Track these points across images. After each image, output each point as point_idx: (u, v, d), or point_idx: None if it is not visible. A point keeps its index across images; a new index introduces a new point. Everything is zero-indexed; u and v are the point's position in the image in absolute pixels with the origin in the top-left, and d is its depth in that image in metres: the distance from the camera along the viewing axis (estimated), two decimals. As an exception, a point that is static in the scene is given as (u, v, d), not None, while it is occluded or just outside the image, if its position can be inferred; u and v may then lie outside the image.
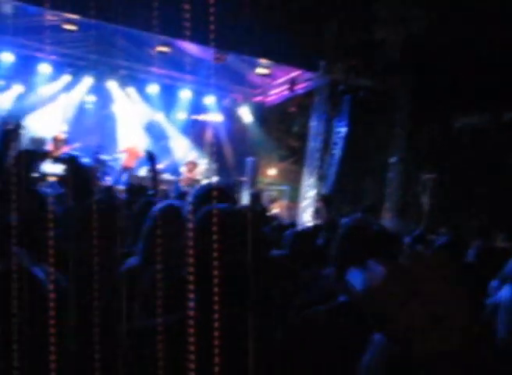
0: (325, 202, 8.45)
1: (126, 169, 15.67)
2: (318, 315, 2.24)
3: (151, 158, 4.90)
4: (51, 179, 10.00)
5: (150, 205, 3.13)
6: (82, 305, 2.01)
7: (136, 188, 6.33)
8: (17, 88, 17.97)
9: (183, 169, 17.09)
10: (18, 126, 2.62)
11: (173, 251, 1.95)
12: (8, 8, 13.96)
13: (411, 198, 15.33)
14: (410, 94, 14.92)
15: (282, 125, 19.11)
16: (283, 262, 3.54)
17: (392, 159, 15.40)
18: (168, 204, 2.73)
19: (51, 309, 1.70)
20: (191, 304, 1.72)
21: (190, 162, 17.02)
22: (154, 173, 4.87)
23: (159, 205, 2.72)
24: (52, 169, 12.58)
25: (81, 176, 2.07)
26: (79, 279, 2.04)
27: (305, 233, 4.75)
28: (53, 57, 17.48)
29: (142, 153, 15.89)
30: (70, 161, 2.12)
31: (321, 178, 15.73)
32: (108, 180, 15.85)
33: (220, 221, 1.81)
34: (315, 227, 6.51)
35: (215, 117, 19.24)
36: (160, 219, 2.49)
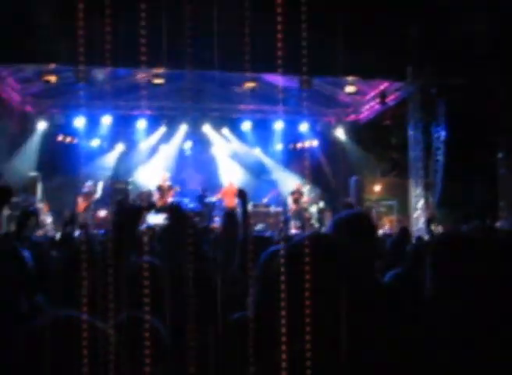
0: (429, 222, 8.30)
1: (229, 209, 15.90)
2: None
3: (241, 197, 4.94)
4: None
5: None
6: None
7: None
8: (119, 147, 18.86)
9: (289, 200, 17.18)
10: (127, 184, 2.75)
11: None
12: (101, 75, 14.73)
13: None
14: (509, 83, 14.32)
15: (380, 139, 18.87)
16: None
17: (500, 154, 14.85)
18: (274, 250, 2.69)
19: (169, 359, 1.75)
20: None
21: (296, 192, 17.05)
22: (245, 212, 4.87)
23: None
24: (156, 219, 13.09)
25: (182, 223, 2.12)
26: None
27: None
28: (148, 112, 18.23)
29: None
30: (172, 209, 2.16)
31: (428, 186, 15.36)
32: (217, 222, 16.17)
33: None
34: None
35: (311, 143, 19.30)
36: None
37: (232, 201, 15.83)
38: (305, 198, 17.13)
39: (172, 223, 2.23)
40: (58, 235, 9.79)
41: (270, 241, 4.18)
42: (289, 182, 18.54)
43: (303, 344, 1.69)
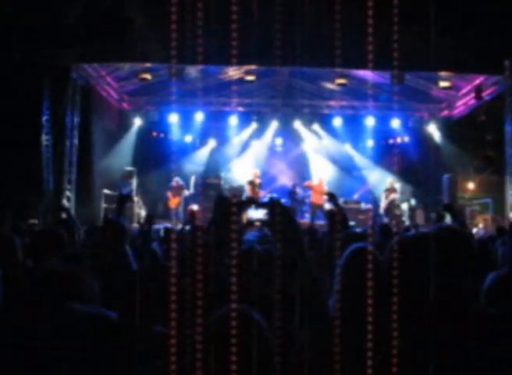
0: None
1: (315, 205, 15.86)
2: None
3: (331, 199, 4.97)
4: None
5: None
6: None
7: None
8: (211, 143, 19.24)
9: (382, 197, 16.98)
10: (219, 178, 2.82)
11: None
12: (194, 73, 15.06)
13: None
14: None
15: (474, 136, 18.31)
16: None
17: None
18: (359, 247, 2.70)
19: (273, 353, 1.78)
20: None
21: (388, 190, 16.81)
22: (340, 213, 4.85)
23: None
24: (255, 214, 13.16)
25: (287, 219, 2.14)
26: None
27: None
28: (239, 108, 18.49)
29: (326, 189, 16.04)
30: (274, 205, 2.18)
31: (526, 184, 14.79)
32: (307, 218, 16.22)
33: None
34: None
35: (403, 139, 18.99)
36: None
37: (320, 199, 15.78)
38: (395, 195, 16.84)
39: (273, 219, 2.27)
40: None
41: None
42: (380, 178, 18.31)
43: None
